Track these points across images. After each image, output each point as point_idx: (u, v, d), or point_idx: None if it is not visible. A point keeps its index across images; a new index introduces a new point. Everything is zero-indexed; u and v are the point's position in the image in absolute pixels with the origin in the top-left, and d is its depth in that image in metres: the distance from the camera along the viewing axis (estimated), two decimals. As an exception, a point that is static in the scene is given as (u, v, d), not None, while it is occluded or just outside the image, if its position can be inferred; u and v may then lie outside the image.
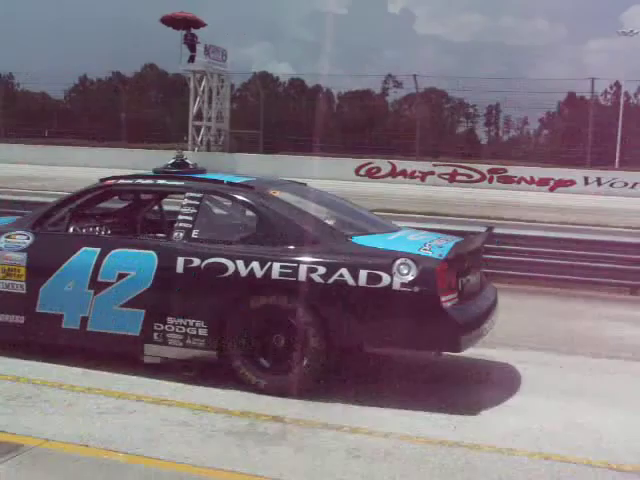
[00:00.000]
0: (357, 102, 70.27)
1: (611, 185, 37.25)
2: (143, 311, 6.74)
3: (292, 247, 6.55)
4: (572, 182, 37.85)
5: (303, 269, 6.34)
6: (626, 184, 37.13)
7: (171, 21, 44.26)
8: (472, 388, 7.03)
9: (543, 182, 38.14)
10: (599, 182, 37.60)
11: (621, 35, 55.63)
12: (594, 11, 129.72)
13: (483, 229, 8.01)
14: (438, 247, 6.52)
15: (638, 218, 21.59)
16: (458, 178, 39.14)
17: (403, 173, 40.08)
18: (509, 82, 48.71)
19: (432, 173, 39.59)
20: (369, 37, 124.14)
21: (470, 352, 6.77)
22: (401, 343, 6.49)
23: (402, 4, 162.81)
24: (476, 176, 39.26)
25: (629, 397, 6.90)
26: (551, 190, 37.37)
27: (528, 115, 64.16)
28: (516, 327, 8.75)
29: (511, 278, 11.98)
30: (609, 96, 63.24)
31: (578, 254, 12.27)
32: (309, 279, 6.31)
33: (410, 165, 40.65)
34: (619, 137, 46.93)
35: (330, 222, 6.96)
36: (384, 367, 7.43)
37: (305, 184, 8.29)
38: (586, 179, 37.90)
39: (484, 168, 39.73)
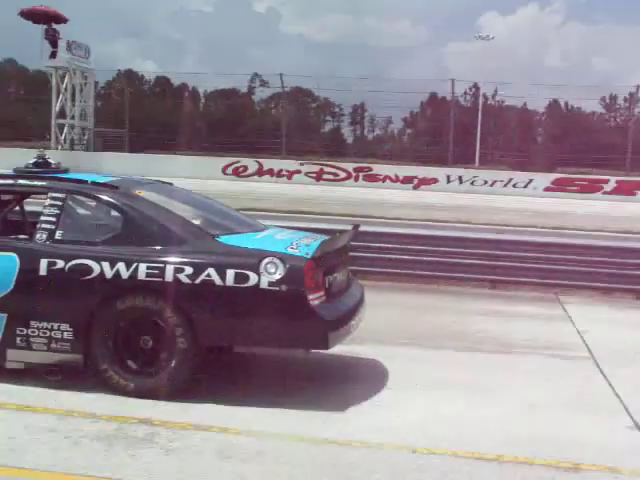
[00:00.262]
0: (223, 101, 70.07)
1: (472, 183, 38.44)
2: (4, 315, 6.52)
3: (158, 247, 6.47)
4: (435, 180, 38.85)
5: (170, 269, 6.28)
6: (486, 182, 38.40)
7: (31, 15, 43.02)
8: (341, 384, 7.12)
9: (407, 180, 38.98)
10: (461, 180, 38.76)
11: (478, 39, 57.46)
12: (453, 15, 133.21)
13: (349, 227, 8.10)
14: (305, 245, 6.56)
15: (497, 215, 22.32)
16: (324, 177, 39.56)
17: (270, 172, 40.22)
18: (374, 82, 49.70)
19: (299, 172, 39.89)
20: (235, 35, 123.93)
21: (338, 349, 6.84)
22: (270, 342, 6.53)
23: (268, 3, 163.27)
24: (342, 175, 39.77)
25: (492, 389, 7.12)
26: (415, 188, 38.20)
27: (392, 115, 65.50)
28: (383, 323, 8.89)
29: (378, 275, 12.18)
30: (468, 97, 65.19)
31: (441, 250, 12.58)
32: (176, 279, 6.26)
33: (277, 164, 40.85)
34: (478, 136, 48.45)
35: (196, 222, 6.91)
36: (254, 366, 7.44)
37: (171, 183, 8.20)
38: (448, 177, 38.97)
39: (350, 167, 40.32)
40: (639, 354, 8.74)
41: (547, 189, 37.83)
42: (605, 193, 37.63)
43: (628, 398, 6.90)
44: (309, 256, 6.35)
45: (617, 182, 38.59)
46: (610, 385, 7.37)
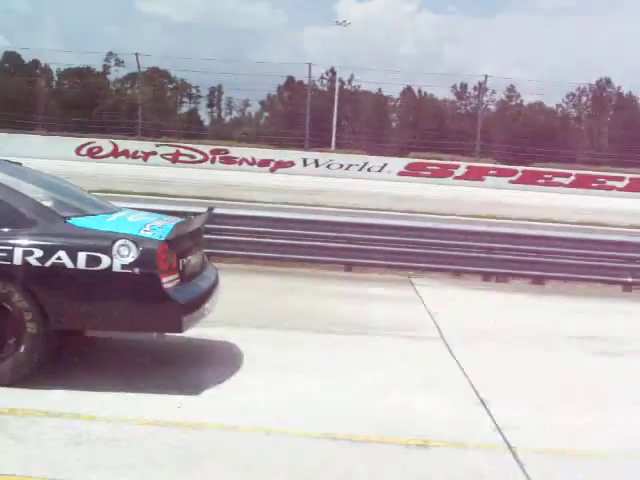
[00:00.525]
0: (78, 79, 68.27)
1: (328, 167, 38.89)
2: None
3: (6, 230, 6.26)
4: (292, 163, 39.09)
5: (18, 252, 6.09)
6: (342, 166, 38.94)
7: None
8: (196, 368, 7.09)
9: (264, 163, 39.05)
10: (317, 164, 39.14)
11: (335, 24, 58.02)
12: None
13: (204, 209, 8.06)
14: (158, 228, 6.50)
15: (353, 199, 22.61)
16: (181, 159, 39.20)
17: (125, 153, 39.50)
18: (231, 64, 49.53)
19: (155, 153, 39.37)
20: (90, 12, 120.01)
21: (193, 332, 6.81)
22: (123, 325, 6.44)
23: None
24: (199, 157, 39.51)
25: (345, 370, 7.25)
26: (272, 171, 38.34)
27: (249, 97, 65.46)
28: (238, 306, 8.89)
29: (234, 258, 12.19)
30: (325, 81, 65.75)
31: (297, 233, 12.68)
32: (25, 263, 6.08)
33: (132, 145, 40.17)
34: (335, 121, 48.99)
35: (47, 203, 6.71)
36: (107, 350, 7.33)
37: (20, 164, 7.94)
38: (305, 161, 39.28)
39: (206, 149, 40.09)
40: (485, 333, 9.07)
41: (401, 173, 38.69)
42: (456, 178, 38.78)
43: (474, 376, 7.16)
44: (162, 238, 6.29)
45: (467, 167, 39.84)
46: (458, 364, 7.64)
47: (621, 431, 6.03)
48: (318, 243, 12.70)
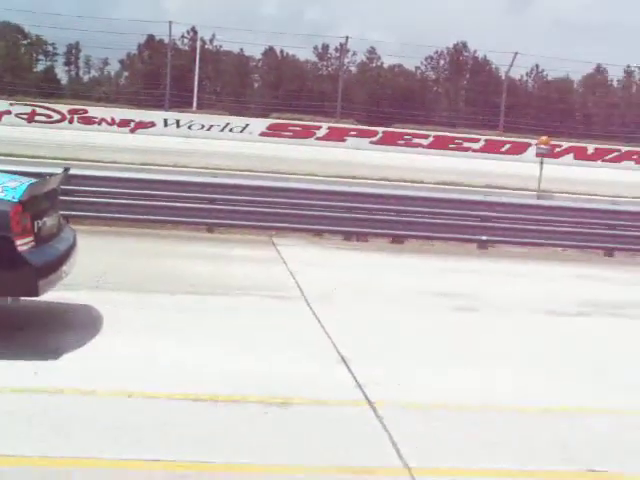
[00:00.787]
0: None
1: (189, 127, 38.42)
2: None
3: None
4: (152, 124, 38.40)
5: None
6: (203, 126, 38.54)
7: None
8: (53, 332, 6.92)
9: (124, 124, 38.22)
10: (178, 124, 38.60)
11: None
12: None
13: (60, 170, 7.85)
14: (12, 189, 6.27)
15: (214, 160, 22.40)
16: (37, 118, 37.92)
17: (-23, 112, 37.96)
18: (90, 21, 48.09)
19: (9, 113, 37.89)
20: None
21: (50, 295, 6.66)
22: (-25, 290, 6.22)
23: None
24: (56, 117, 38.34)
25: (208, 331, 7.24)
26: (132, 132, 37.57)
27: (108, 56, 63.89)
28: (98, 268, 8.76)
29: (95, 220, 11.97)
30: (186, 41, 64.67)
31: (159, 194, 12.57)
32: None
33: (-16, 104, 38.59)
34: (196, 81, 48.41)
35: None
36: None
37: None
38: (165, 121, 38.67)
39: (64, 108, 38.94)
40: (346, 292, 9.22)
41: (262, 134, 38.57)
42: (318, 139, 38.93)
43: (335, 335, 7.27)
44: (16, 200, 6.09)
45: (329, 128, 40.04)
46: (320, 323, 7.72)
47: (476, 384, 6.25)
48: (179, 204, 12.59)
